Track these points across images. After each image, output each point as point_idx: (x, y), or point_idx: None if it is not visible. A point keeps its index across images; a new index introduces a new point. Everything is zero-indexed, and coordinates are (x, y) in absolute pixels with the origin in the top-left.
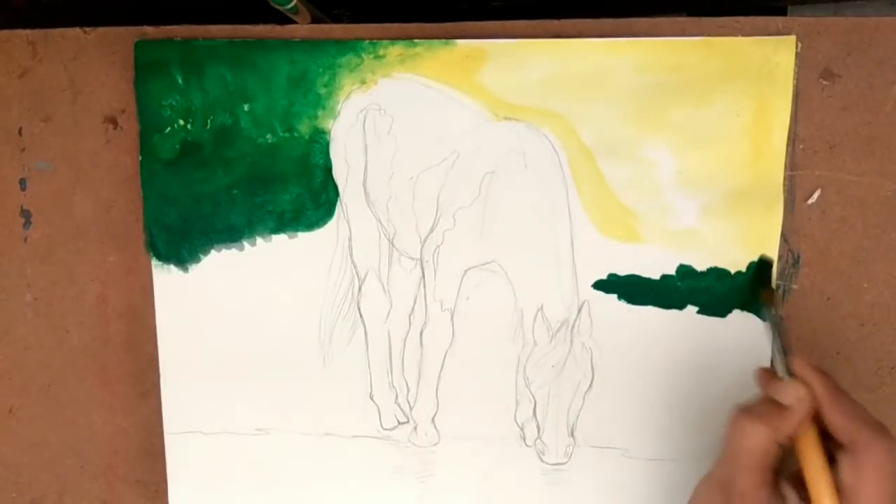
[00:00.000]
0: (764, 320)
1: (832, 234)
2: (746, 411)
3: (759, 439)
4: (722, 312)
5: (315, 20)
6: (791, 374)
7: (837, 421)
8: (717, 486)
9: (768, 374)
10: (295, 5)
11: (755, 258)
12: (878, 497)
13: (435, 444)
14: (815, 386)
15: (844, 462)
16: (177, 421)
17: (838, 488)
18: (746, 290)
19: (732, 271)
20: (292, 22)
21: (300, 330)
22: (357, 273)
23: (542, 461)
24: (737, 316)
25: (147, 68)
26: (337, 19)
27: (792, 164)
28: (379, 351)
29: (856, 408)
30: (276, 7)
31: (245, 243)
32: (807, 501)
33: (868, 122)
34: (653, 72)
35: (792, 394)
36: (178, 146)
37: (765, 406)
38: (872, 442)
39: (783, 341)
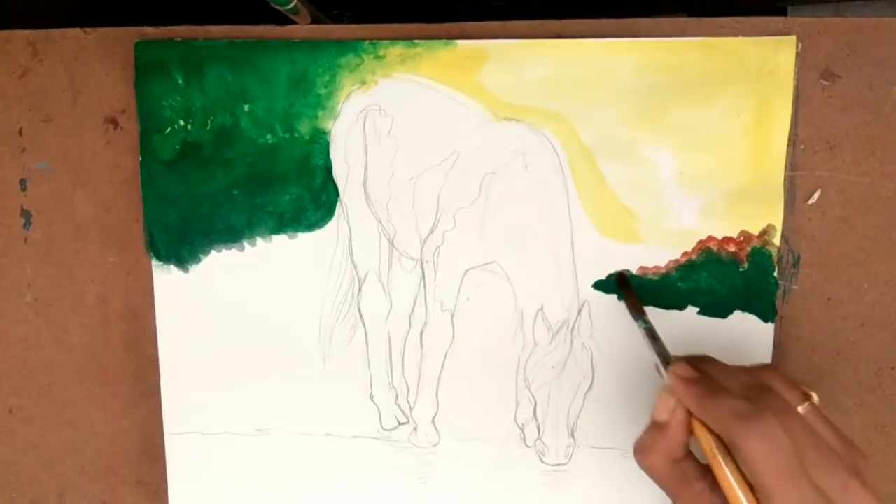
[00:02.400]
0: (639, 328)
1: (832, 234)
2: (637, 449)
3: (659, 469)
4: (723, 313)
5: (315, 20)
6: None
7: (714, 427)
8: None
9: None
10: (295, 6)
11: (756, 257)
12: (779, 482)
13: (435, 445)
14: (682, 399)
15: (738, 460)
16: (177, 421)
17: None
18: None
19: (733, 272)
20: (292, 22)
21: (300, 330)
22: (357, 273)
23: (543, 462)
24: (738, 317)
25: (147, 69)
26: (337, 19)
27: (792, 165)
28: (379, 351)
29: (724, 404)
30: (277, 7)
31: (245, 244)
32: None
33: (868, 123)
34: (653, 72)
35: (663, 409)
36: (178, 146)
37: (650, 434)
38: (743, 436)
39: (656, 346)
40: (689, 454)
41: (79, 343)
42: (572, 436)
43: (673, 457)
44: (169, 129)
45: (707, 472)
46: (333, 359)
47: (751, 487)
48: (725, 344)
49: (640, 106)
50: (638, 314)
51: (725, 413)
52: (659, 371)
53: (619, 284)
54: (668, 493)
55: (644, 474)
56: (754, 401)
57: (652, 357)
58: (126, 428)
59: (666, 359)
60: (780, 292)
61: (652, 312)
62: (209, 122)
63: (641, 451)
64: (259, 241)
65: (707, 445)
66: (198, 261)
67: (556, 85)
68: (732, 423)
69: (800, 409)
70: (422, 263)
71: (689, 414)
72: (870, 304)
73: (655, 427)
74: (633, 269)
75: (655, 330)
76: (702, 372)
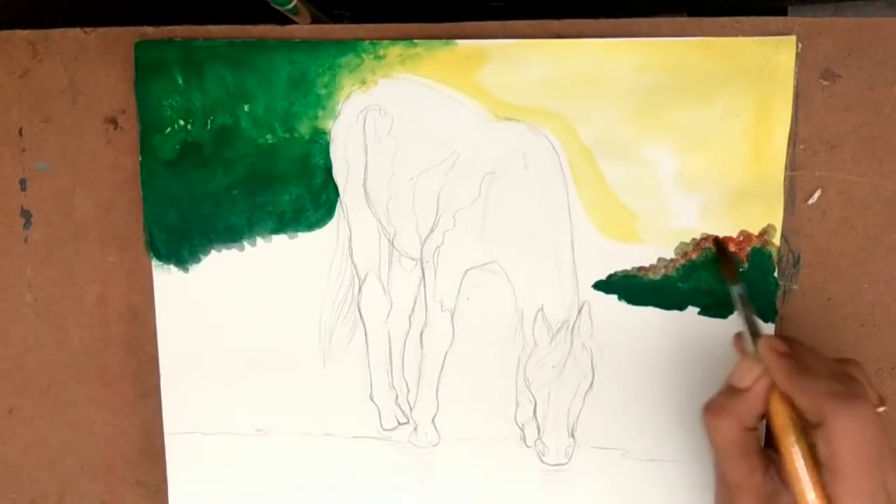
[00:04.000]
0: (732, 294)
1: (832, 234)
2: (710, 406)
3: (728, 431)
4: (723, 314)
5: (315, 20)
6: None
7: (801, 402)
8: (721, 483)
9: (740, 343)
10: (295, 6)
11: (756, 257)
12: (857, 467)
13: (435, 445)
14: (772, 370)
15: (818, 438)
16: (177, 421)
17: (818, 463)
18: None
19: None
20: (292, 22)
21: (300, 330)
22: (357, 273)
23: (543, 462)
24: (738, 317)
25: (147, 69)
26: (337, 19)
27: (792, 165)
28: (379, 351)
29: (818, 382)
30: (277, 7)
31: (245, 244)
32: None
33: (868, 123)
34: (653, 72)
35: (747, 376)
36: (178, 146)
37: (727, 395)
38: (838, 412)
39: (749, 315)
40: (756, 427)
41: (79, 343)
42: (572, 436)
43: (744, 423)
44: (169, 129)
45: (764, 453)
46: (333, 359)
47: (817, 470)
48: (726, 344)
49: (639, 106)
50: (734, 280)
51: (820, 390)
52: (744, 340)
53: (717, 248)
54: (722, 459)
55: (641, 475)
56: (847, 386)
57: (741, 323)
58: (126, 428)
59: (754, 330)
60: (780, 292)
61: (653, 313)
62: (209, 122)
63: (714, 410)
64: (259, 241)
65: (781, 419)
66: (198, 261)
67: (556, 85)
68: (827, 400)
69: (879, 410)
70: (422, 263)
71: (771, 386)
72: (870, 304)
73: (733, 391)
74: (633, 270)
75: (747, 299)
76: (793, 350)
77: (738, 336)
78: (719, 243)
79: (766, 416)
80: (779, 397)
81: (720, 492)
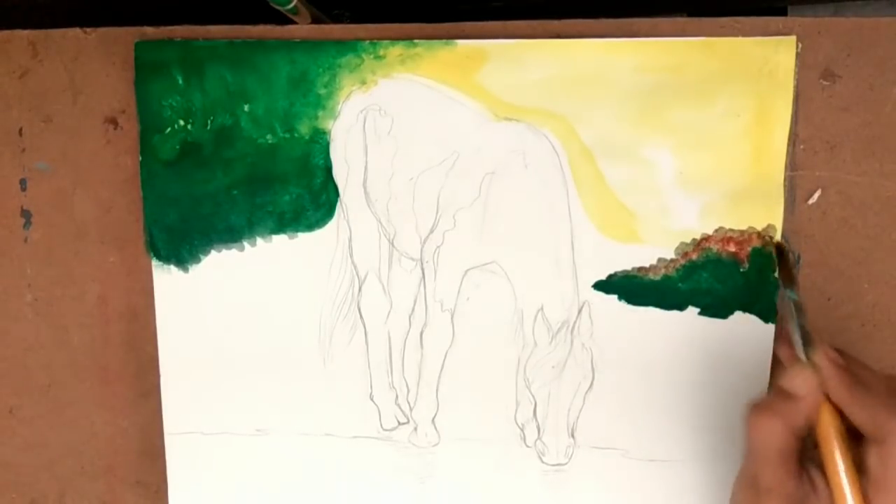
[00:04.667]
0: (786, 299)
1: (833, 234)
2: (758, 406)
3: (773, 434)
4: (723, 314)
5: (315, 20)
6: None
7: (857, 415)
8: (746, 484)
9: (787, 352)
10: (295, 6)
11: (757, 257)
12: None
13: (435, 445)
14: (828, 380)
15: (871, 450)
16: (177, 421)
17: (864, 473)
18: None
19: (734, 272)
20: (292, 22)
21: (300, 330)
22: (357, 273)
23: (543, 462)
24: (738, 317)
25: (147, 69)
26: (337, 19)
27: (792, 165)
28: (379, 351)
29: (876, 397)
30: (277, 7)
31: (245, 244)
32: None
33: (869, 123)
34: (653, 72)
35: (801, 384)
36: (178, 147)
37: (776, 398)
38: None
39: (803, 324)
40: (802, 435)
41: (79, 343)
42: (572, 436)
43: (791, 428)
44: (169, 129)
45: (799, 462)
46: (333, 359)
47: (859, 485)
48: (726, 345)
49: (639, 106)
50: (791, 284)
51: (879, 405)
52: (796, 348)
53: (777, 253)
54: (760, 461)
55: (641, 476)
56: None
57: (792, 330)
58: (126, 428)
59: (807, 337)
60: (780, 292)
61: (653, 313)
62: (209, 122)
63: (762, 410)
64: (259, 241)
65: (831, 430)
66: (198, 261)
67: (556, 85)
68: (887, 414)
69: None
70: (422, 263)
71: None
72: (870, 304)
73: (784, 395)
74: (633, 270)
75: (803, 306)
76: (847, 363)
77: (782, 343)
78: (780, 248)
79: (812, 427)
80: (829, 408)
81: (744, 495)
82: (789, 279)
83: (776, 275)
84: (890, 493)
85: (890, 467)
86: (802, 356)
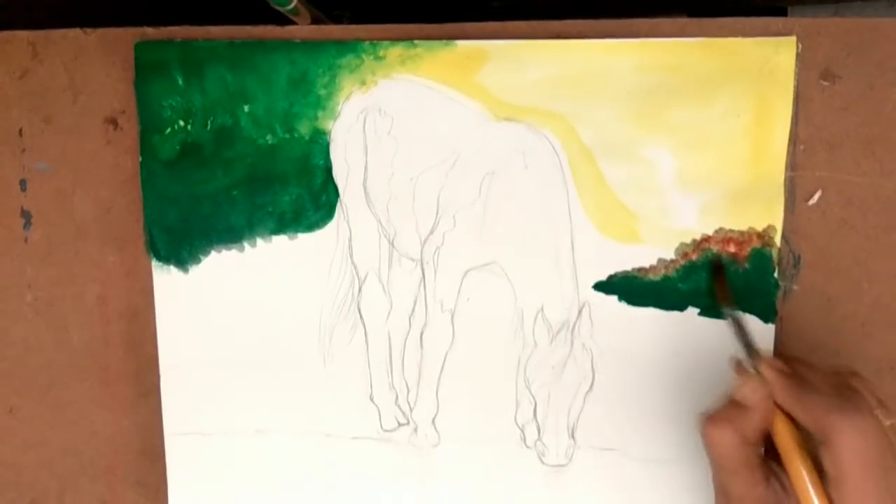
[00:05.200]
0: (727, 316)
1: (832, 234)
2: (711, 418)
3: (728, 444)
4: (722, 315)
5: (315, 21)
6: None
7: (804, 420)
8: (720, 493)
9: (739, 366)
10: (295, 6)
11: (757, 258)
12: (862, 478)
13: (435, 446)
14: (774, 388)
15: (823, 453)
16: (177, 422)
17: (823, 474)
18: (705, 291)
19: (734, 273)
20: (292, 23)
21: (300, 331)
22: (357, 274)
23: (543, 462)
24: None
25: (147, 69)
26: (337, 20)
27: (792, 165)
28: (379, 352)
29: (820, 398)
30: (277, 8)
31: (245, 244)
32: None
33: (868, 123)
34: (653, 72)
35: (751, 394)
36: (178, 147)
37: (728, 409)
38: (840, 426)
39: (744, 336)
40: (758, 443)
41: (79, 343)
42: (572, 436)
43: (747, 439)
44: (169, 129)
45: (765, 464)
46: (333, 359)
47: (822, 485)
48: (726, 345)
49: (640, 106)
50: (727, 304)
51: (821, 406)
52: (742, 363)
53: (713, 271)
54: (723, 472)
55: (641, 476)
56: (848, 399)
57: (738, 345)
58: (126, 428)
59: (752, 351)
60: (780, 293)
61: (652, 313)
62: (209, 122)
63: (715, 423)
64: (259, 241)
65: (785, 437)
66: (198, 261)
67: (556, 85)
68: (828, 414)
69: (886, 423)
70: (422, 264)
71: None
72: (870, 304)
73: (737, 406)
74: (633, 270)
75: (743, 321)
76: (793, 368)
77: (734, 358)
78: (716, 266)
79: (769, 433)
80: (782, 416)
81: (720, 502)
82: (725, 296)
83: (713, 290)
84: (847, 490)
85: (838, 464)
86: (750, 369)
